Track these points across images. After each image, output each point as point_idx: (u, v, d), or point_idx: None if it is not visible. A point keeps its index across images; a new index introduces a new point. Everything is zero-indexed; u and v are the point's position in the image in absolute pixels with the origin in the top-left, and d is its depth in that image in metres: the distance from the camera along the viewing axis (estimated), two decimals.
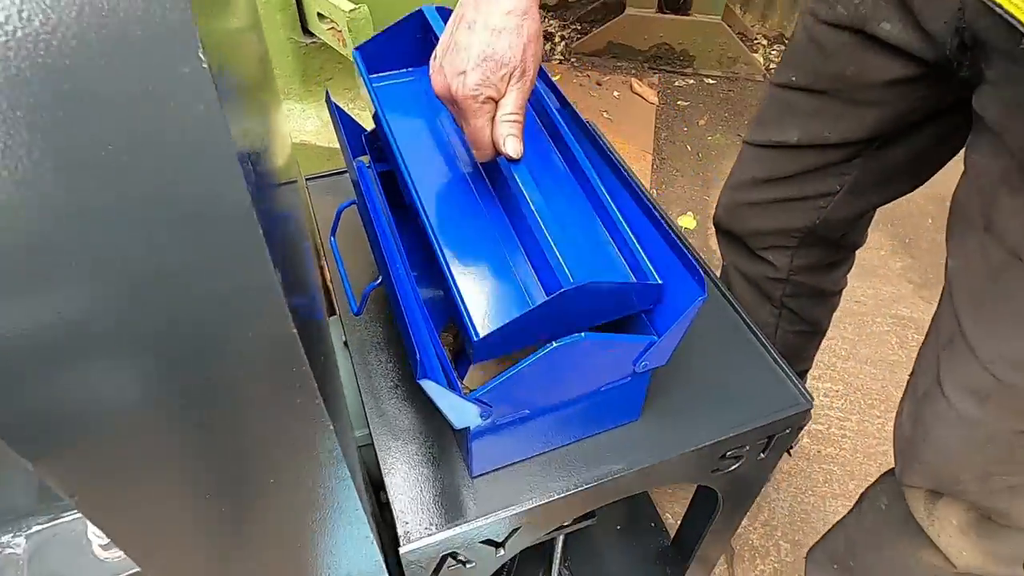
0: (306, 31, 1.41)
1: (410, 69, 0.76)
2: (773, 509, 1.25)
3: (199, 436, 0.37)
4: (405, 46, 0.74)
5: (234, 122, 0.28)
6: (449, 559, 0.64)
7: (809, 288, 1.02)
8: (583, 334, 0.54)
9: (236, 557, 0.48)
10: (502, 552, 0.68)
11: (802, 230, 0.93)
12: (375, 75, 0.75)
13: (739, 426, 0.68)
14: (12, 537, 0.57)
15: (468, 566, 0.66)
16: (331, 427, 0.41)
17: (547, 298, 0.51)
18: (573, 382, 0.59)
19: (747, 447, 0.71)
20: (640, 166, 1.93)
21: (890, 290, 1.67)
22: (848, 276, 1.07)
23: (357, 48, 0.73)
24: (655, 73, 2.32)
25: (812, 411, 0.75)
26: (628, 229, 0.60)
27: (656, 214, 0.61)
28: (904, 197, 0.90)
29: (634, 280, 0.58)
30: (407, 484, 0.64)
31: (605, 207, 0.61)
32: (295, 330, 0.34)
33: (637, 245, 0.59)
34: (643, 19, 2.24)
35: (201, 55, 0.24)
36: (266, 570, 0.50)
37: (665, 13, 2.25)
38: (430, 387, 0.51)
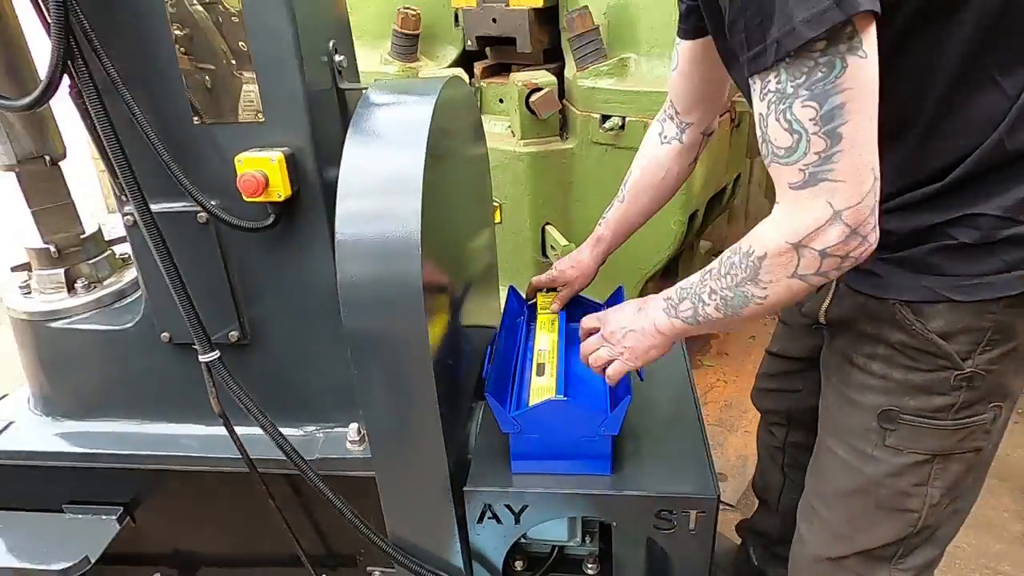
0: (544, 254, 2.25)
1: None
2: None
3: None
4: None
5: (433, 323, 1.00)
6: (487, 511, 1.21)
7: (801, 463, 1.40)
8: (565, 398, 1.13)
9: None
10: (519, 524, 1.22)
11: (785, 412, 1.37)
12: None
13: (659, 492, 1.15)
14: (316, 429, 1.32)
15: (498, 524, 1.22)
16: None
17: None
18: (565, 427, 1.17)
19: (675, 512, 1.17)
20: None
21: (999, 547, 1.75)
22: None
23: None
24: None
25: None
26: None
27: None
28: None
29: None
30: (482, 471, 1.25)
31: None
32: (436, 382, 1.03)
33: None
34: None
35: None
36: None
37: None
38: (490, 399, 1.15)
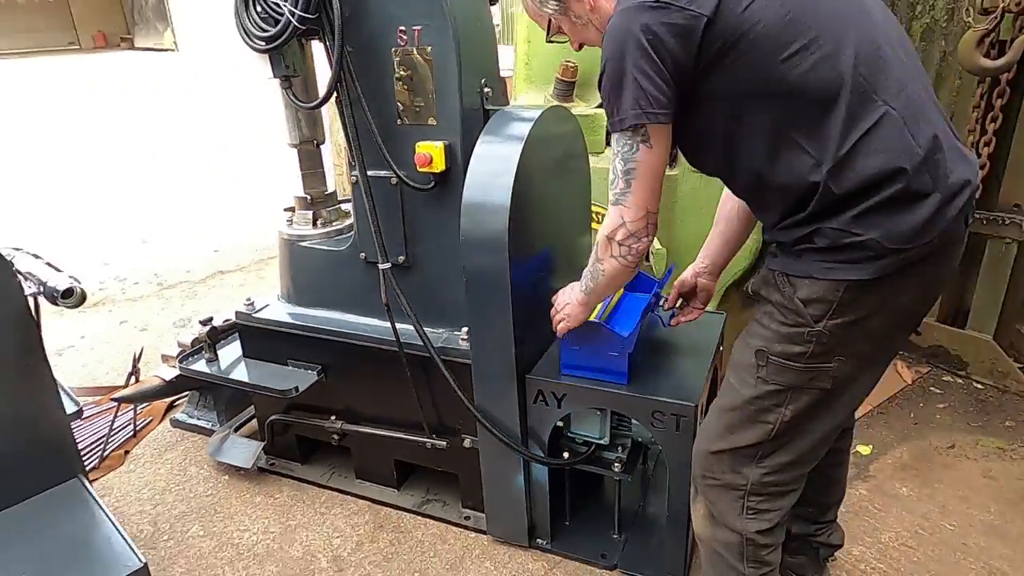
0: (646, 258, 2.76)
1: None
2: None
3: None
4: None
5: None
6: (539, 396, 1.78)
7: None
8: (598, 320, 1.68)
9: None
10: (560, 408, 1.77)
11: None
12: None
13: (654, 397, 1.65)
14: (443, 331, 1.99)
15: (546, 405, 1.78)
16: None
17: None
18: (598, 343, 1.71)
19: (665, 415, 1.65)
20: None
21: (1005, 551, 1.92)
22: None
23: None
24: (928, 366, 2.86)
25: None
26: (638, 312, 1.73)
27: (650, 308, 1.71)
28: None
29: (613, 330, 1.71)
30: (540, 369, 1.82)
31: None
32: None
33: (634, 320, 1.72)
34: (924, 324, 2.88)
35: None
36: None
37: (944, 324, 2.84)
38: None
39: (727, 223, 1.67)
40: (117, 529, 1.28)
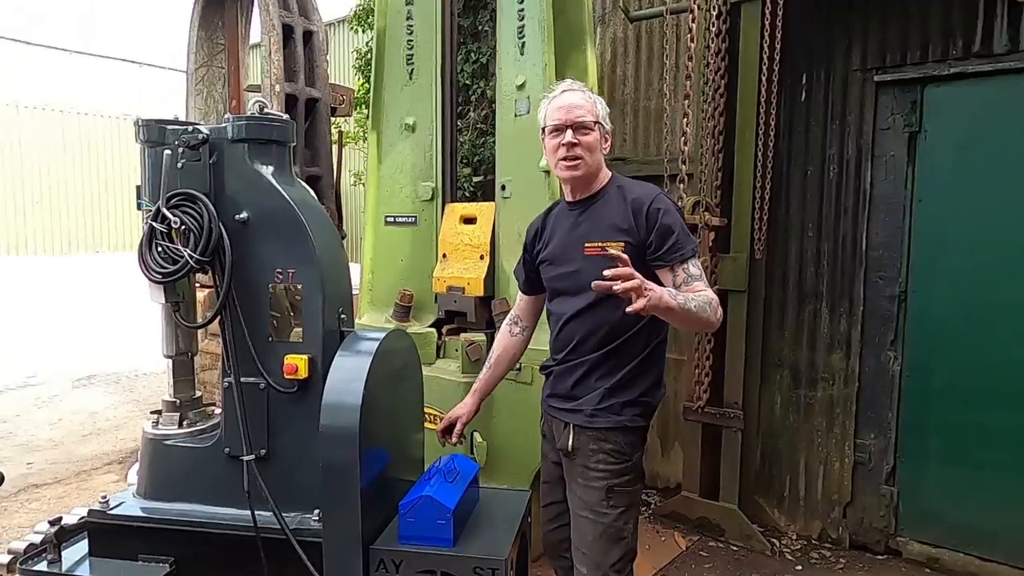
0: (471, 451, 3.27)
1: None
2: None
3: None
4: None
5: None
6: (381, 563, 2.13)
7: None
8: (428, 495, 2.14)
9: None
10: (398, 573, 2.13)
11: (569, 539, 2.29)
12: None
13: (473, 555, 2.08)
14: (296, 515, 2.31)
15: (387, 572, 2.13)
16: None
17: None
18: (430, 514, 2.14)
19: (483, 569, 2.07)
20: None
21: None
22: None
23: None
24: (698, 535, 3.54)
25: None
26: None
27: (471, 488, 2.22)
28: None
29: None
30: (382, 540, 2.20)
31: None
32: None
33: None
34: (690, 500, 3.61)
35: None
36: None
37: (704, 499, 3.59)
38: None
39: (495, 367, 2.50)
40: None
